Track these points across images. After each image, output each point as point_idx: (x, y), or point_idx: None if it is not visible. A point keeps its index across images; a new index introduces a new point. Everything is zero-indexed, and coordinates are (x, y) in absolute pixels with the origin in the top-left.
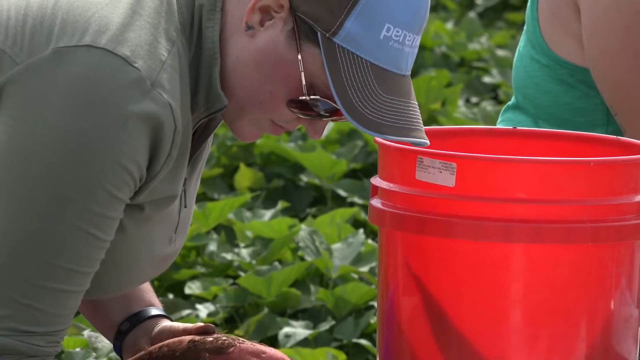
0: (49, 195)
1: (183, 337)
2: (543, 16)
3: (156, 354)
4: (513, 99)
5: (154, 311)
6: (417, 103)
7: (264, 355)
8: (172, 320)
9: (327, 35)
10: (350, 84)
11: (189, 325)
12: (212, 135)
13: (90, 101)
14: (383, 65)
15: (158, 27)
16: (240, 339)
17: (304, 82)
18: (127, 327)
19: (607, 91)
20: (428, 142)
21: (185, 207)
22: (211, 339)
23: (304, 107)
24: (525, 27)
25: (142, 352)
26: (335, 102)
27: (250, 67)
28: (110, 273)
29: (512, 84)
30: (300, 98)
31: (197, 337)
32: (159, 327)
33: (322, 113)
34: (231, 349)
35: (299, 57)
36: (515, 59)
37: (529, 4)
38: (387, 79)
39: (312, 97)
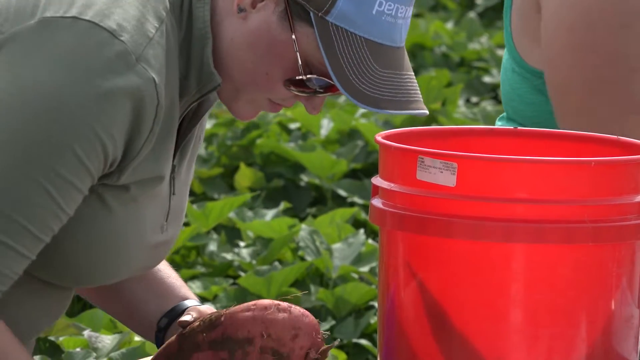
0: (21, 148)
1: (171, 339)
2: (515, 27)
3: None
4: (504, 112)
5: (189, 303)
6: (412, 73)
7: (254, 307)
8: None
9: (320, 14)
10: (346, 61)
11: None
12: (203, 124)
13: (74, 67)
14: (377, 39)
15: (146, 5)
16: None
17: (299, 62)
18: (165, 323)
19: (551, 91)
20: (427, 111)
21: (174, 194)
22: (197, 322)
23: (301, 86)
24: (505, 40)
25: None
26: (332, 80)
27: (244, 49)
28: (102, 256)
29: (502, 97)
30: (297, 77)
31: (184, 330)
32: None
33: (319, 90)
34: (222, 318)
35: (293, 37)
36: (501, 73)
37: (504, 16)
38: (382, 54)
39: (308, 75)
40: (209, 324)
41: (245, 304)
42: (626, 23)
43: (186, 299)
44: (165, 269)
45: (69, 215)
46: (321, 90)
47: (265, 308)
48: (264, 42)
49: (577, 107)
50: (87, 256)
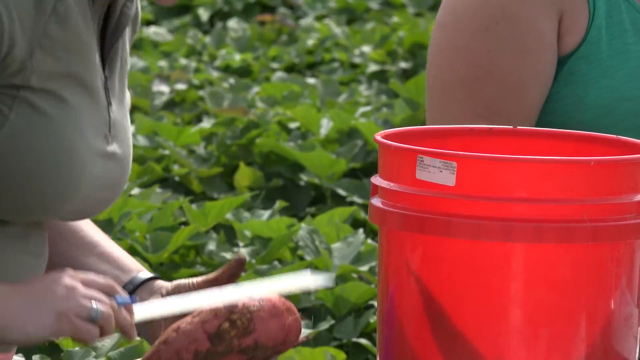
0: None
1: (198, 334)
2: None
3: None
4: None
5: (143, 275)
6: None
7: (275, 310)
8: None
9: None
10: None
11: (209, 276)
12: (126, 46)
13: None
14: None
15: None
16: (254, 304)
17: None
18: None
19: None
20: None
21: (110, 104)
22: (227, 323)
23: None
24: None
25: None
26: None
27: None
28: (54, 164)
29: None
30: None
31: (213, 341)
32: (173, 286)
33: None
34: (254, 325)
35: None
36: None
37: None
38: None
39: None
40: (243, 330)
41: (262, 302)
42: (487, 26)
43: (140, 270)
44: (110, 240)
45: None
46: None
47: (284, 313)
48: None
49: (436, 104)
50: (39, 169)
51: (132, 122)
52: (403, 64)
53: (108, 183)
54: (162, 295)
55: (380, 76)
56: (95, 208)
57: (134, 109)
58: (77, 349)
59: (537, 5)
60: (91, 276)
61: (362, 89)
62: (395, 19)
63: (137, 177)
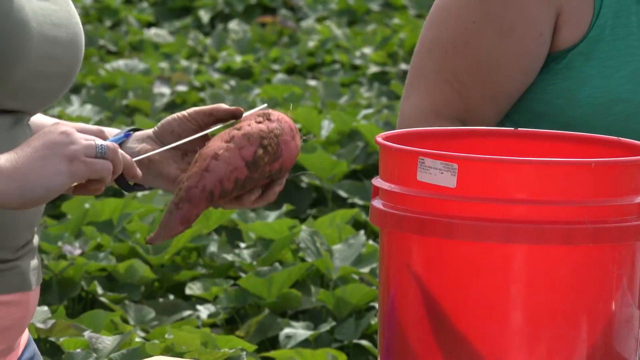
0: None
1: (238, 163)
2: None
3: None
4: None
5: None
6: None
7: (291, 132)
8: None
9: None
10: None
11: (201, 110)
12: None
13: None
14: None
15: None
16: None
17: None
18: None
19: None
20: None
21: None
22: (261, 150)
23: None
24: None
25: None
26: None
27: None
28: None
29: None
30: None
31: (250, 168)
32: (162, 123)
33: None
34: (281, 151)
35: None
36: None
37: None
38: None
39: None
40: (273, 156)
41: (282, 124)
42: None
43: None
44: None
45: None
46: None
47: (296, 134)
48: None
49: (415, 62)
50: None
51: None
52: (404, 66)
53: (52, 35)
54: (151, 136)
55: (381, 78)
56: (50, 82)
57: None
58: (78, 350)
59: None
60: (80, 125)
61: (363, 90)
62: (396, 20)
63: None
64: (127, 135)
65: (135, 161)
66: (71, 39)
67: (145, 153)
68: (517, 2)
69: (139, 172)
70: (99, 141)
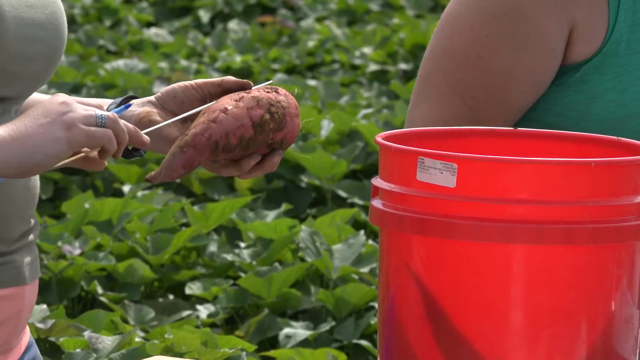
0: None
1: (245, 121)
2: None
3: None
4: None
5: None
6: None
7: (297, 108)
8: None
9: None
10: None
11: (209, 80)
12: None
13: None
14: None
15: None
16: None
17: None
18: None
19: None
20: None
21: None
22: (268, 116)
23: None
24: None
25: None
26: None
27: None
28: None
29: None
30: None
31: (256, 129)
32: (166, 89)
33: None
34: (286, 122)
35: None
36: None
37: None
38: None
39: None
40: (278, 124)
41: (288, 99)
42: (495, 13)
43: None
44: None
45: None
46: None
47: (299, 114)
48: None
49: (424, 70)
50: None
51: None
52: (403, 66)
53: (29, 17)
54: (152, 101)
55: (381, 77)
56: (34, 64)
57: None
58: (78, 350)
59: (548, 9)
60: (79, 98)
61: (363, 90)
62: (395, 20)
63: (138, 179)
64: (127, 107)
65: (138, 126)
66: (49, 19)
67: (146, 115)
68: (530, 17)
69: (146, 138)
70: (99, 111)
